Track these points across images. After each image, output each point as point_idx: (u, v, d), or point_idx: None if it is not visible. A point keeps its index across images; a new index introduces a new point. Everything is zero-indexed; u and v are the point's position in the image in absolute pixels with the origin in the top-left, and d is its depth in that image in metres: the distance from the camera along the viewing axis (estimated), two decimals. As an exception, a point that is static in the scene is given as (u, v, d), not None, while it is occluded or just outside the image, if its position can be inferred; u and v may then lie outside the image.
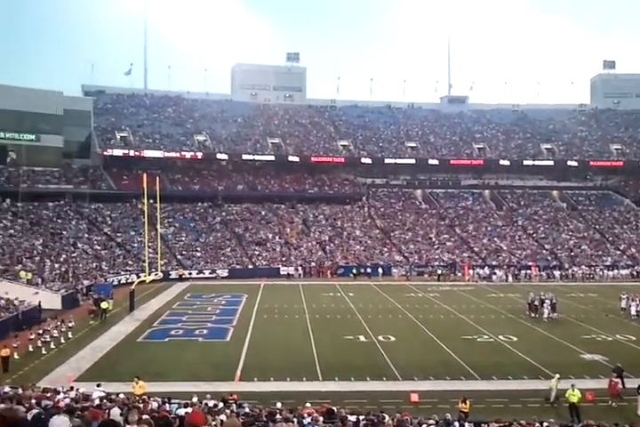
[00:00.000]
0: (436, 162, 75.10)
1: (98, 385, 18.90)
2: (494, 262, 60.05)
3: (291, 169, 72.89)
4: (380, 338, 29.80)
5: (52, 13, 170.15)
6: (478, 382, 22.74)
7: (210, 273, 54.87)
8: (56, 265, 46.61)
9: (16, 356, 25.47)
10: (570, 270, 57.51)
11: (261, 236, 62.62)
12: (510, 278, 54.76)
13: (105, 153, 66.09)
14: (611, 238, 66.62)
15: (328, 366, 24.53)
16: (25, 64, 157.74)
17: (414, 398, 20.36)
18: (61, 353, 27.06)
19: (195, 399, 17.14)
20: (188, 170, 70.46)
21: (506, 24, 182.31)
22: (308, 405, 17.38)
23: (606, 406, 20.33)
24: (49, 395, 15.73)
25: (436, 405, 19.78)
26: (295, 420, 14.49)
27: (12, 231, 50.91)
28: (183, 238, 60.21)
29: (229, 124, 77.24)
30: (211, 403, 17.19)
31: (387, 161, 74.75)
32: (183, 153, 68.92)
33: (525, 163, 76.36)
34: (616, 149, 79.10)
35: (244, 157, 70.95)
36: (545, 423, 16.09)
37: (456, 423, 16.14)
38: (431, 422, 15.50)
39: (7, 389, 16.38)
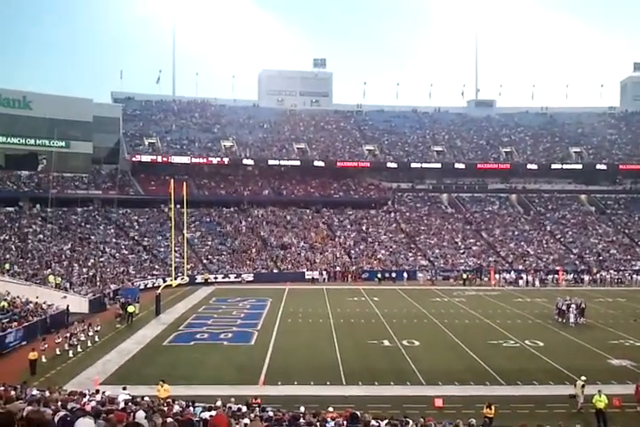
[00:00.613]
0: (462, 166, 74.61)
1: (124, 388, 19.14)
2: (521, 267, 59.45)
3: (316, 174, 73.06)
4: (405, 343, 29.70)
5: (83, 23, 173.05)
6: (503, 388, 22.55)
7: (235, 277, 55.16)
8: (84, 269, 47.30)
9: (44, 359, 25.90)
10: (598, 275, 56.71)
11: (286, 240, 62.82)
12: (537, 283, 54.17)
13: (133, 159, 67.01)
14: (640, 243, 65.58)
15: (352, 371, 24.53)
16: (56, 72, 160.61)
17: (438, 403, 20.28)
18: (88, 356, 27.42)
19: (219, 403, 17.24)
20: (215, 175, 71.06)
21: (534, 27, 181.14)
22: (331, 409, 17.42)
23: (634, 412, 20.04)
24: (75, 398, 15.99)
25: (460, 410, 19.65)
26: (318, 424, 14.54)
27: (41, 236, 51.77)
28: (209, 243, 60.67)
29: (256, 129, 77.76)
30: (234, 407, 17.31)
31: (413, 165, 74.46)
32: (210, 158, 69.52)
33: (553, 166, 75.51)
34: (646, 152, 77.88)
35: (270, 162, 71.31)
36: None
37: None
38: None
39: (35, 391, 16.65)
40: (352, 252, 62.07)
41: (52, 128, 60.85)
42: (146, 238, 58.91)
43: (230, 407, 17.15)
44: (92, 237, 55.67)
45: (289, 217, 67.58)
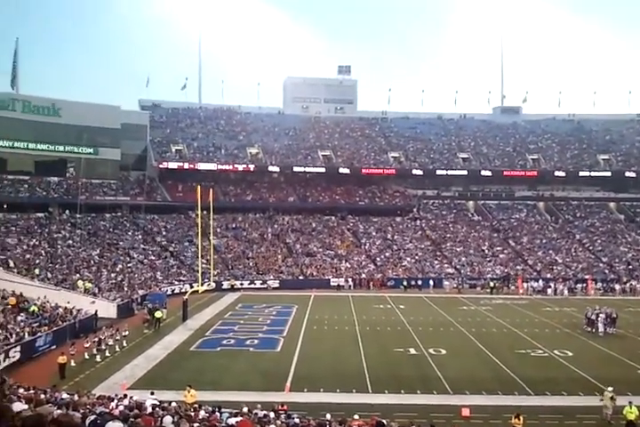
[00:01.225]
0: (488, 173, 74.06)
1: (151, 393, 19.29)
2: (549, 276, 58.76)
3: (341, 181, 73.08)
4: (431, 351, 29.49)
5: (111, 31, 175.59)
6: (532, 398, 22.27)
7: (261, 284, 55.31)
8: (112, 275, 47.80)
9: (72, 363, 26.18)
10: (628, 284, 55.78)
11: (312, 247, 62.87)
12: (566, 292, 53.47)
13: (160, 166, 67.68)
14: (672, 251, 64.39)
15: (378, 379, 24.42)
16: (85, 80, 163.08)
17: (465, 412, 20.06)
18: (116, 361, 27.67)
19: (245, 409, 17.28)
20: (241, 182, 71.46)
21: (560, 32, 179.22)
22: (356, 417, 17.34)
23: (666, 425, 19.62)
24: (103, 402, 16.15)
25: (487, 420, 19.46)
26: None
27: (70, 242, 52.44)
28: (235, 249, 60.95)
29: (281, 136, 78.11)
30: (261, 413, 17.32)
31: (438, 172, 74.10)
32: (236, 165, 69.96)
33: (581, 174, 74.62)
34: (676, 159, 76.62)
35: (296, 169, 71.51)
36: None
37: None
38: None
39: (64, 395, 16.86)
40: (377, 259, 61.89)
41: (80, 135, 61.71)
42: (173, 244, 59.40)
43: (257, 414, 17.18)
44: (120, 243, 56.27)
45: (314, 224, 67.65)
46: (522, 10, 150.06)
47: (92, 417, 11.74)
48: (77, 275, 44.58)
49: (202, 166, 68.29)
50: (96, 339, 29.43)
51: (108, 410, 13.85)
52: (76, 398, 16.21)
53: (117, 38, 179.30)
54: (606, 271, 60.41)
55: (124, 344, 30.81)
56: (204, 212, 47.03)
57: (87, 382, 23.43)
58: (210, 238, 49.66)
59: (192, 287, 44.00)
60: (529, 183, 76.56)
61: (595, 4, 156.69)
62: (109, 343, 29.70)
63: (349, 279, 56.74)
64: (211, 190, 45.70)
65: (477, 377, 24.78)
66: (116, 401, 16.75)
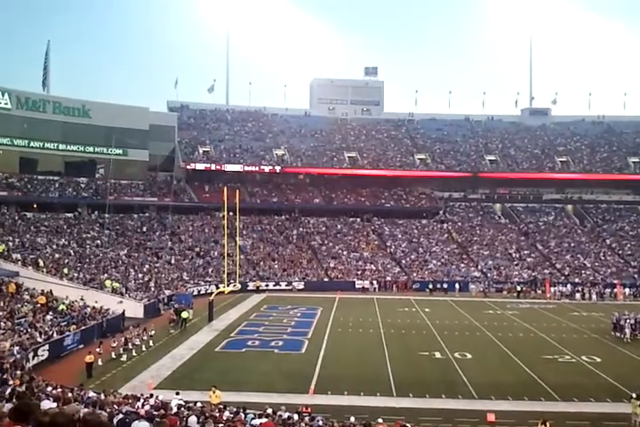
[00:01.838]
0: (516, 176, 73.34)
1: (177, 393, 19.45)
2: (577, 280, 58.00)
3: (367, 183, 72.95)
4: (456, 355, 29.30)
5: (140, 33, 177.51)
6: (558, 404, 22.01)
7: (286, 285, 55.44)
8: (139, 275, 48.28)
9: (100, 362, 26.49)
10: (658, 289, 54.81)
11: (337, 249, 62.85)
12: (594, 297, 52.68)
13: (188, 167, 68.27)
14: None
15: (402, 382, 24.33)
16: (114, 82, 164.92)
17: (491, 417, 19.89)
18: (142, 361, 27.94)
19: (269, 411, 17.34)
20: (267, 183, 71.77)
21: (589, 33, 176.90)
22: (380, 420, 17.29)
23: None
24: (130, 401, 16.33)
25: (513, 426, 19.29)
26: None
27: (99, 242, 53.06)
28: (261, 250, 61.18)
29: (307, 138, 78.22)
30: (285, 415, 17.38)
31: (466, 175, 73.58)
32: (262, 167, 70.25)
33: (611, 177, 73.50)
34: None
35: (321, 170, 71.53)
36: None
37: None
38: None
39: (91, 394, 17.09)
40: (403, 262, 61.65)
41: (109, 136, 62.37)
42: (199, 245, 59.80)
43: (281, 416, 17.24)
44: (148, 243, 56.82)
45: (339, 226, 67.62)
46: (550, 10, 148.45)
47: (120, 416, 11.91)
48: (105, 275, 45.06)
49: (228, 168, 68.72)
50: (123, 338, 29.74)
51: (134, 409, 14.02)
52: (102, 397, 16.43)
53: (146, 40, 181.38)
54: (635, 276, 59.43)
55: (151, 344, 31.11)
56: (231, 213, 47.30)
57: (114, 382, 23.70)
58: (236, 239, 49.97)
59: (218, 288, 44.24)
60: (557, 186, 75.67)
61: (624, 5, 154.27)
62: (136, 343, 30.02)
63: (374, 282, 56.60)
64: (237, 191, 45.94)
65: (503, 382, 24.56)
66: (142, 401, 16.94)
